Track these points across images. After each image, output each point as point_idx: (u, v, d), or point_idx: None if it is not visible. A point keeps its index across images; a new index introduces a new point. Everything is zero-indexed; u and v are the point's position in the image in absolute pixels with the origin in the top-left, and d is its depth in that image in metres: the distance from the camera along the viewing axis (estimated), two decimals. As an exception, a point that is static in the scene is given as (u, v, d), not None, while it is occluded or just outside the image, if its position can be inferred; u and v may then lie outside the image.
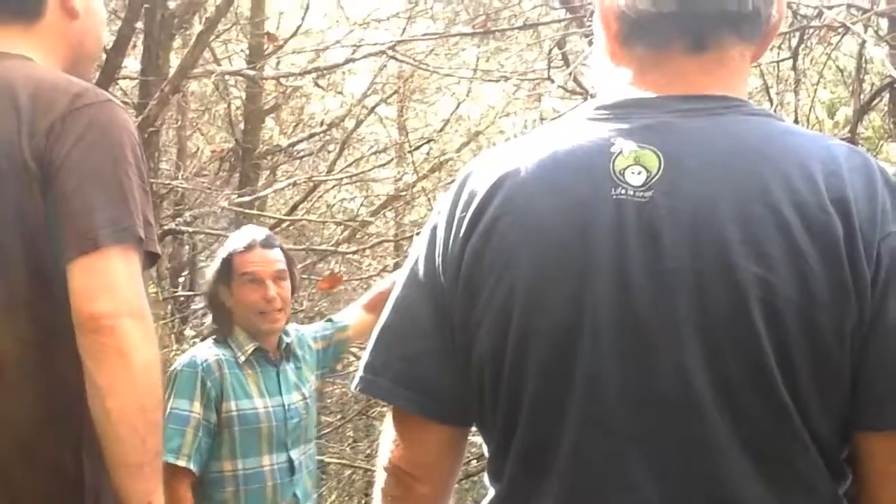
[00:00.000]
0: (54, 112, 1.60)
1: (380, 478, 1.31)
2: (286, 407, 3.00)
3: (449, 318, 1.21)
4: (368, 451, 8.13)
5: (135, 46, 5.47)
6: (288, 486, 2.96)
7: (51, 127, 1.59)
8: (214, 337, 3.04)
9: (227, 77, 7.22)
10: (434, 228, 1.25)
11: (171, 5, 5.53)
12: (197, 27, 5.77)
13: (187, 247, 7.80)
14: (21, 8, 1.74)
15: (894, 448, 1.11)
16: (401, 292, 1.28)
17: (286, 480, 2.96)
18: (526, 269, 1.15)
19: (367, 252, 7.79)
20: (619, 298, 1.11)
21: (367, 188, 9.26)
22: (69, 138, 1.58)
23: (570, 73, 4.64)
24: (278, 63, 7.91)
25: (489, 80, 6.69)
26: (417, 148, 8.51)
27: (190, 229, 6.57)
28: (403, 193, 8.18)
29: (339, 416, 8.78)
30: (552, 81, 4.63)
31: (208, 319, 3.19)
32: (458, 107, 7.98)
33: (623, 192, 1.13)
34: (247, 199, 6.77)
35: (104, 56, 4.42)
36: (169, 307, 6.57)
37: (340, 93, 7.67)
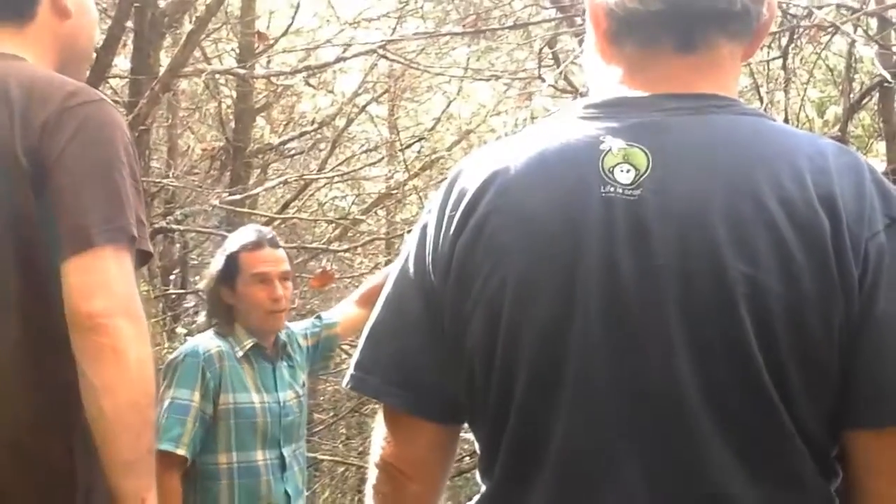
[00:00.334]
0: (48, 109, 1.60)
1: (371, 475, 1.31)
2: (281, 403, 3.01)
3: (439, 316, 1.21)
4: (361, 448, 8.14)
5: (125, 45, 5.46)
6: (279, 483, 2.97)
7: (44, 123, 1.59)
8: (216, 329, 3.04)
9: (217, 76, 7.21)
10: (424, 227, 1.25)
11: (162, 4, 5.53)
12: (187, 26, 5.77)
13: (178, 245, 7.80)
14: (13, 9, 1.74)
15: (882, 445, 1.11)
16: (391, 290, 1.28)
17: (277, 477, 2.97)
18: (517, 264, 1.15)
19: (359, 250, 7.80)
20: (609, 296, 1.12)
21: (358, 186, 9.26)
22: (63, 136, 1.58)
23: (560, 72, 4.65)
24: (269, 62, 7.92)
25: (480, 79, 6.71)
26: (408, 146, 8.52)
27: (181, 227, 6.56)
28: (394, 192, 8.19)
29: (331, 414, 8.79)
30: (543, 80, 4.64)
31: (200, 317, 3.19)
32: (448, 105, 7.99)
33: (612, 190, 1.13)
34: (238, 197, 6.76)
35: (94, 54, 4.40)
36: (160, 305, 6.56)
37: (331, 91, 7.67)
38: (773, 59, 4.70)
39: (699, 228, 1.10)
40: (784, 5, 3.94)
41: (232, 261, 3.03)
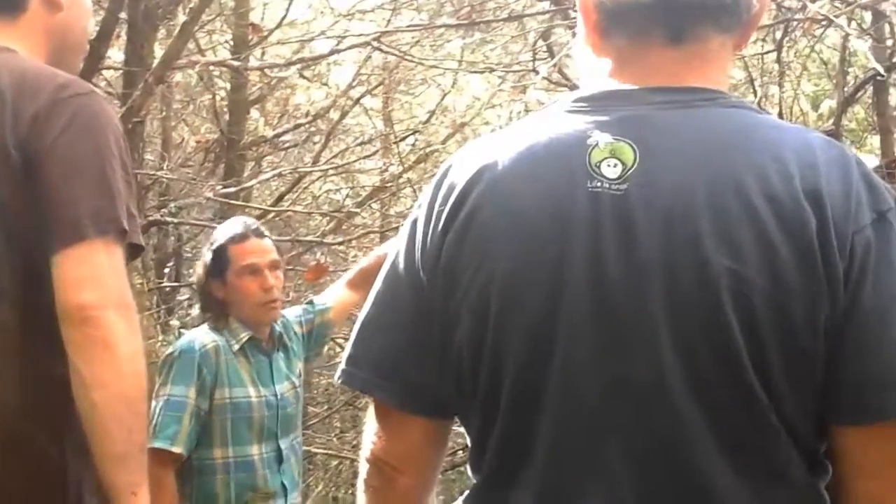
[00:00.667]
0: (39, 100, 1.59)
1: (363, 469, 1.32)
2: (278, 396, 3.00)
3: (429, 311, 1.21)
4: (355, 442, 8.14)
5: (118, 36, 5.44)
6: (275, 476, 2.97)
7: (35, 115, 1.58)
8: (210, 323, 3.03)
9: (211, 68, 7.21)
10: (414, 222, 1.25)
11: (155, -5, 5.51)
12: (181, 17, 5.75)
13: (172, 237, 7.80)
14: (5, 1, 1.74)
15: (868, 441, 1.11)
16: (381, 286, 1.28)
17: (274, 470, 2.97)
18: (504, 258, 1.15)
19: (353, 243, 7.79)
20: (595, 290, 1.12)
21: (352, 179, 9.26)
22: (54, 127, 1.58)
23: (554, 65, 4.65)
24: (263, 54, 7.90)
25: (474, 72, 6.70)
26: (403, 139, 8.52)
27: (175, 220, 6.56)
28: (389, 184, 8.19)
29: (325, 407, 8.81)
30: (537, 73, 4.64)
31: (194, 310, 3.19)
32: (443, 98, 8.00)
33: (599, 184, 1.13)
34: (232, 189, 6.75)
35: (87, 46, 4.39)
36: (154, 298, 6.56)
37: (325, 84, 7.67)
38: (768, 52, 4.70)
39: (683, 222, 1.10)
40: (778, -2, 3.94)
41: (220, 254, 3.02)
